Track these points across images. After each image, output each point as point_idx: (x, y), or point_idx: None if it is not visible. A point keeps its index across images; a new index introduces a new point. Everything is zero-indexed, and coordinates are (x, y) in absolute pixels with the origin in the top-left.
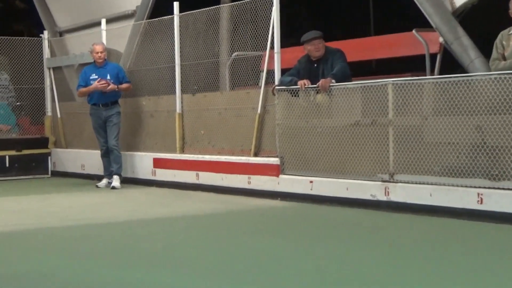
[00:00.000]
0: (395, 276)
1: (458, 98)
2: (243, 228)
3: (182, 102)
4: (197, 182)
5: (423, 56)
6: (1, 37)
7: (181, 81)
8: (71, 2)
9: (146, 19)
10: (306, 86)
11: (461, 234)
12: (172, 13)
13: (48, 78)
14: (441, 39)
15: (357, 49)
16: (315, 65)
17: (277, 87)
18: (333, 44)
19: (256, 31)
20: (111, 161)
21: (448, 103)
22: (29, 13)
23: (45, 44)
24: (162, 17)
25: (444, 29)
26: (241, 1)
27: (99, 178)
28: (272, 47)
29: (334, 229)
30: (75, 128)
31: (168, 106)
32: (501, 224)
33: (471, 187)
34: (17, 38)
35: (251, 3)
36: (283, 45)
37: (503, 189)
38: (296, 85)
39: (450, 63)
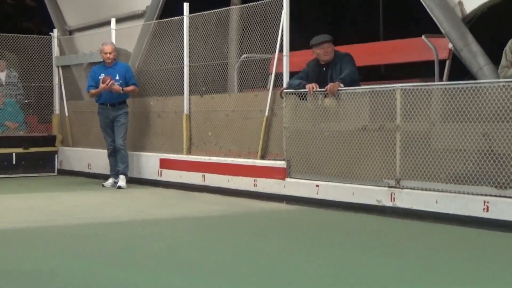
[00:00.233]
0: (398, 282)
1: (466, 105)
2: (248, 231)
3: (190, 103)
4: (203, 183)
5: (432, 62)
6: (11, 34)
7: (189, 82)
8: (81, 1)
9: (155, 20)
10: (314, 90)
11: (466, 242)
12: (181, 14)
13: (57, 77)
14: (450, 45)
15: (366, 53)
16: (324, 68)
17: (285, 90)
18: (342, 48)
19: (266, 33)
20: (118, 161)
21: (456, 110)
22: (39, 11)
23: (55, 42)
24: (172, 18)
25: (453, 35)
26: (251, 3)
27: (105, 177)
28: (281, 50)
29: (339, 234)
30: (82, 127)
31: (176, 107)
32: (507, 233)
33: (477, 194)
34: (26, 36)
35: (261, 5)
36: (293, 47)
37: (510, 197)
38: (305, 88)
39: (459, 70)
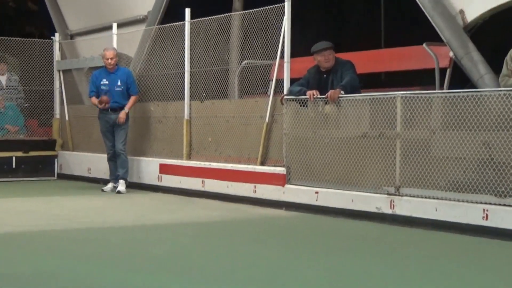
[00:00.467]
0: None
1: (467, 113)
2: (247, 237)
3: (190, 109)
4: (202, 189)
5: (433, 70)
6: (12, 38)
7: (190, 87)
8: (83, 6)
9: (157, 25)
10: (315, 97)
11: (466, 250)
12: (183, 19)
13: (58, 81)
14: (451, 54)
15: (367, 61)
16: (325, 75)
17: (285, 97)
18: (343, 56)
19: (267, 40)
20: (118, 166)
21: (457, 118)
22: (41, 15)
23: (56, 46)
24: (174, 23)
25: (454, 43)
26: (253, 10)
27: (105, 182)
28: (282, 56)
29: (338, 241)
30: (82, 131)
31: (176, 112)
32: (506, 241)
33: (477, 203)
34: (28, 39)
35: (262, 11)
36: (294, 54)
37: (509, 206)
38: (305, 95)
39: (460, 78)
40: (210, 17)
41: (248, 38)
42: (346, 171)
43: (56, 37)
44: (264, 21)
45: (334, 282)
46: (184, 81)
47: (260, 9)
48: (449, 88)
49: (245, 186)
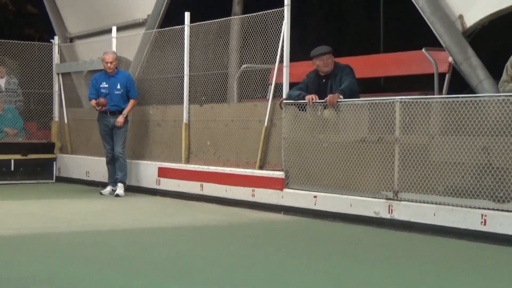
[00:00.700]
0: None
1: (465, 118)
2: (245, 241)
3: (189, 112)
4: (201, 193)
5: (432, 75)
6: (12, 41)
7: (189, 91)
8: (83, 9)
9: (156, 28)
10: (313, 101)
11: (464, 255)
12: (183, 23)
13: (57, 84)
14: (450, 59)
15: (366, 65)
16: (324, 80)
17: (284, 101)
18: (343, 60)
19: (266, 44)
20: (116, 169)
21: (455, 123)
22: (41, 18)
23: (55, 49)
24: (173, 27)
25: (454, 49)
26: (252, 14)
27: (103, 185)
28: (281, 61)
29: (336, 245)
30: (81, 135)
31: (175, 115)
32: (504, 246)
33: (475, 208)
34: (27, 42)
35: (262, 16)
36: (294, 58)
37: (507, 211)
38: (304, 99)
39: (459, 83)
40: (209, 21)
41: (248, 42)
42: (345, 175)
43: (56, 40)
44: (264, 25)
45: (332, 287)
46: (183, 85)
47: (259, 13)
48: (448, 93)
49: (243, 190)
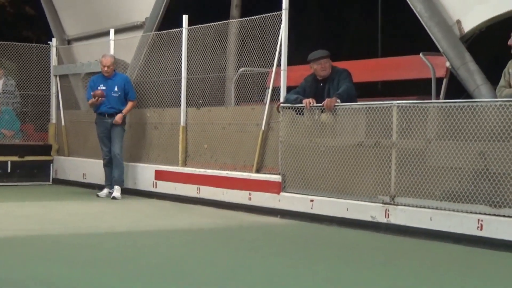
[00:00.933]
0: None
1: (463, 123)
2: (242, 244)
3: (186, 115)
4: (198, 196)
5: (429, 80)
6: (9, 42)
7: (186, 94)
8: (81, 11)
9: (154, 31)
10: (311, 105)
11: (460, 260)
12: (180, 26)
13: (54, 86)
14: (447, 64)
15: (363, 70)
16: (321, 84)
17: (282, 105)
18: (340, 64)
19: (264, 47)
20: (113, 168)
21: (452, 128)
22: (39, 20)
23: (53, 51)
24: (171, 30)
25: (451, 54)
26: (250, 17)
27: (100, 187)
28: (279, 64)
29: (332, 249)
30: (78, 137)
31: (173, 118)
32: (500, 252)
33: (471, 213)
34: (25, 44)
35: (260, 19)
36: (291, 62)
37: (504, 216)
38: (301, 103)
39: (456, 88)
40: (207, 24)
41: (245, 45)
42: (342, 179)
43: (53, 42)
44: (261, 28)
45: None
46: (180, 88)
47: (257, 16)
48: (445, 98)
49: (240, 194)
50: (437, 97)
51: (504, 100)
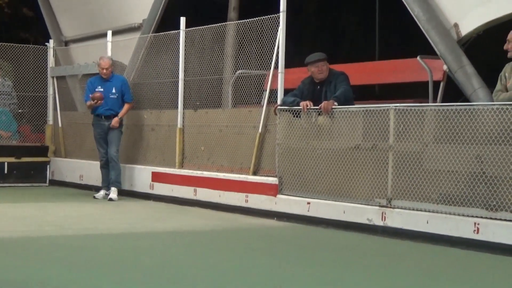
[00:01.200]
0: None
1: (459, 127)
2: (238, 247)
3: (183, 117)
4: (194, 198)
5: (426, 83)
6: (7, 44)
7: (183, 96)
8: (79, 12)
9: (152, 33)
10: (308, 108)
11: (456, 263)
12: (178, 28)
13: (51, 87)
14: (445, 67)
15: (360, 73)
16: (318, 87)
17: (279, 107)
18: (338, 67)
19: (261, 50)
20: (110, 169)
21: (449, 131)
22: (37, 21)
23: (50, 52)
24: (168, 32)
25: (448, 57)
26: (248, 19)
27: (97, 189)
28: (276, 67)
29: (328, 252)
30: (75, 138)
31: (170, 120)
32: (497, 255)
33: (468, 216)
34: (22, 45)
35: (257, 22)
36: (289, 64)
37: (500, 219)
38: (299, 106)
39: (453, 91)
40: (205, 26)
41: (243, 47)
42: (338, 182)
43: (51, 43)
44: (259, 31)
45: None
46: (177, 90)
47: (255, 19)
48: (442, 102)
49: (237, 196)
50: (434, 100)
51: (501, 104)
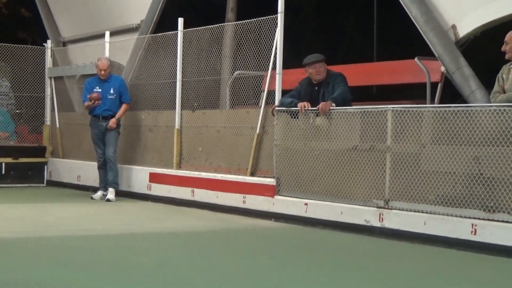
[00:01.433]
0: None
1: (457, 128)
2: (236, 248)
3: (181, 118)
4: (192, 198)
5: (424, 84)
6: (4, 44)
7: (181, 97)
8: (77, 13)
9: (150, 34)
10: (306, 109)
11: (454, 264)
12: (176, 29)
13: (49, 88)
14: (442, 68)
15: (358, 74)
16: (316, 88)
17: (277, 108)
18: (335, 68)
19: (259, 51)
20: (108, 170)
21: (447, 133)
22: (35, 22)
23: (48, 53)
24: (166, 32)
25: (446, 58)
26: (246, 20)
27: (94, 189)
28: (274, 68)
29: (326, 253)
30: (73, 139)
31: (167, 121)
32: (494, 256)
33: (465, 217)
34: (20, 46)
35: (255, 23)
36: (287, 65)
37: (498, 221)
38: (296, 107)
39: (451, 93)
40: (202, 27)
41: (241, 48)
42: (336, 183)
43: (48, 44)
44: (257, 32)
45: None
46: (175, 90)
47: (253, 20)
48: (440, 103)
49: (234, 197)
50: (432, 101)
51: (499, 105)
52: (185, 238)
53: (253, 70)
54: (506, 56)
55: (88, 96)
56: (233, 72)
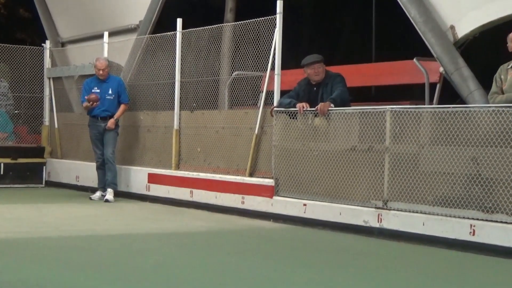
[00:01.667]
0: None
1: (455, 129)
2: (234, 248)
3: (180, 119)
4: (190, 199)
5: (423, 85)
6: (3, 44)
7: (180, 97)
8: (75, 13)
9: (148, 34)
10: (304, 109)
11: (452, 265)
12: (175, 29)
13: (48, 88)
14: (441, 69)
15: (357, 74)
16: (315, 88)
17: (275, 109)
18: (334, 69)
19: (258, 51)
20: (106, 171)
21: (445, 133)
22: (33, 22)
23: (47, 53)
24: (165, 33)
25: (445, 59)
26: (244, 21)
27: (93, 190)
28: (272, 68)
29: (324, 254)
30: (71, 139)
31: (166, 122)
32: (492, 257)
33: (464, 218)
34: (18, 46)
35: (254, 23)
36: (285, 66)
37: (496, 221)
38: (295, 107)
39: (450, 93)
40: (201, 28)
41: (239, 49)
42: (335, 184)
43: (47, 44)
44: (256, 32)
45: None
46: (174, 91)
47: (251, 20)
48: (438, 103)
49: (233, 197)
50: (431, 102)
51: (497, 106)
52: (184, 238)
53: (252, 71)
54: None
55: (86, 97)
56: (232, 72)
